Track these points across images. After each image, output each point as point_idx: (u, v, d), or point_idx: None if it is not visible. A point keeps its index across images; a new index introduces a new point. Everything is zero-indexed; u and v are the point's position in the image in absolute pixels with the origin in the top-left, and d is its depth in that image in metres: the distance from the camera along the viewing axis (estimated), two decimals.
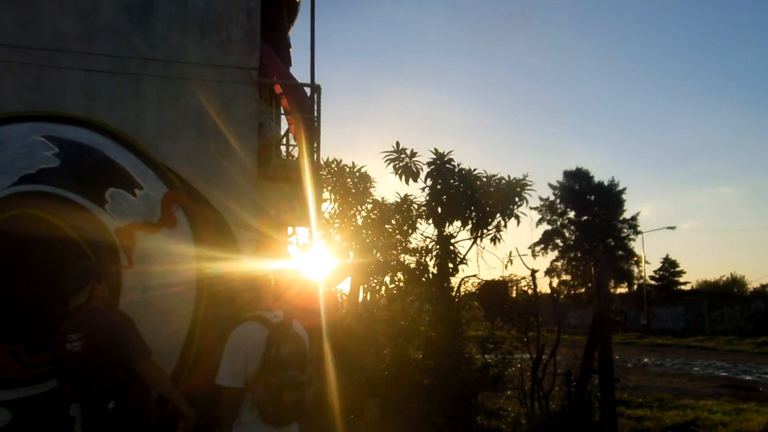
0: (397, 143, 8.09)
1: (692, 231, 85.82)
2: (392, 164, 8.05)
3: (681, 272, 51.54)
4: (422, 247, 8.43)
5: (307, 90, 6.53)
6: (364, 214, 9.05)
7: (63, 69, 4.98)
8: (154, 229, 5.07)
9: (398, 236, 8.66)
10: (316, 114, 6.45)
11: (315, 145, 6.55)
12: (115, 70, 5.11)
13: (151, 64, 5.21)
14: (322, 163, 7.83)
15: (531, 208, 8.15)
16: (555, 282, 50.13)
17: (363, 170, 9.24)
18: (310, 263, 8.27)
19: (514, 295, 8.24)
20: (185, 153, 5.23)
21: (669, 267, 51.50)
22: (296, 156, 7.13)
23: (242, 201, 5.37)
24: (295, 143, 7.26)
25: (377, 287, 9.10)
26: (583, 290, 48.50)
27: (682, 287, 49.96)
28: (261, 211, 5.57)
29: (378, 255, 8.58)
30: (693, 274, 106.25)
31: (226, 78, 5.41)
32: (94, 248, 4.89)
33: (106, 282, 4.08)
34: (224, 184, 5.32)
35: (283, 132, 7.88)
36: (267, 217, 5.70)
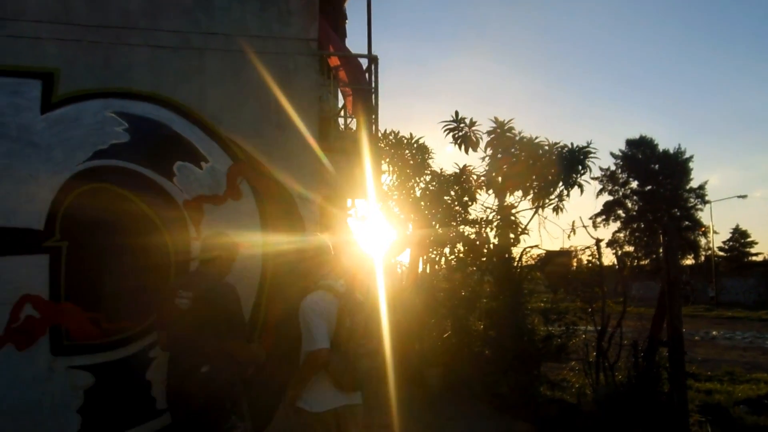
0: (456, 112, 8.01)
1: (764, 199, 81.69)
2: (451, 134, 7.97)
3: (752, 243, 49.38)
4: (482, 218, 8.37)
5: (364, 62, 6.50)
6: (422, 185, 9.03)
7: (130, 46, 5.11)
8: (220, 201, 5.19)
9: (457, 207, 8.61)
10: (373, 85, 6.41)
11: (373, 116, 6.52)
12: (179, 45, 5.21)
13: (213, 39, 5.28)
14: (380, 135, 7.82)
15: (592, 178, 7.93)
16: (618, 253, 48.81)
17: (421, 141, 9.20)
18: (369, 235, 8.33)
19: (575, 265, 8.09)
20: (248, 126, 5.30)
21: (739, 237, 49.39)
22: (354, 128, 7.15)
23: (304, 173, 5.42)
24: (352, 115, 7.27)
25: (437, 259, 9.10)
26: (646, 262, 47.15)
27: (754, 258, 47.83)
28: (321, 184, 5.61)
29: (437, 227, 8.56)
30: (766, 245, 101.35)
31: (286, 50, 5.43)
32: (164, 220, 5.05)
33: (232, 260, 4.39)
34: (286, 156, 5.38)
35: (340, 105, 7.89)
36: (327, 189, 5.74)
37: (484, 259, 8.18)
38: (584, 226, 7.65)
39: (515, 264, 7.90)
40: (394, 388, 6.13)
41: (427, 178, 8.96)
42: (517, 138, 7.76)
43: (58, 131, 4.93)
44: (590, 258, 7.57)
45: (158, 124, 5.12)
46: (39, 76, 4.92)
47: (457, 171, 8.63)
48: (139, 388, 4.91)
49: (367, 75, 6.50)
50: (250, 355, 4.24)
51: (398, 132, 9.19)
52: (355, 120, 7.20)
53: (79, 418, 4.81)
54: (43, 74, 4.93)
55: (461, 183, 8.57)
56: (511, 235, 7.93)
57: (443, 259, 8.83)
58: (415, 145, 9.01)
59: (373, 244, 7.97)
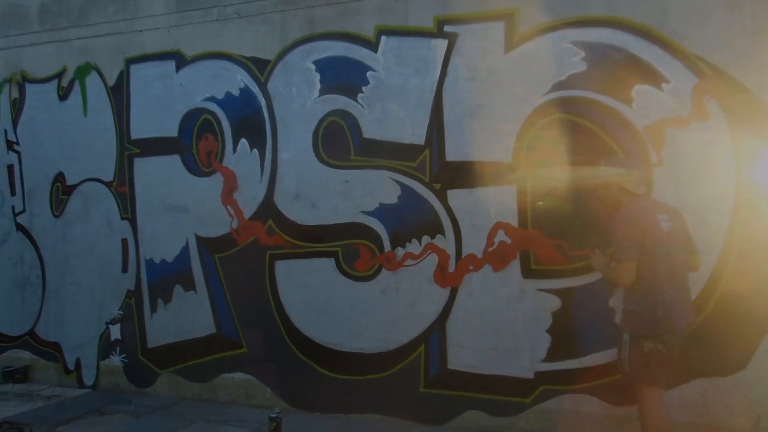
0: None
1: None
2: None
3: None
4: None
5: None
6: None
7: None
8: (684, 123, 4.80)
9: None
10: None
11: None
12: None
13: None
14: None
15: None
16: None
17: None
18: None
19: None
20: (716, 37, 4.70)
21: None
22: None
23: None
24: None
25: None
26: None
27: None
28: None
29: None
30: None
31: None
32: (623, 147, 4.93)
33: None
34: (763, 67, 4.64)
35: None
36: None
37: None
38: None
39: None
40: None
41: None
42: None
43: (519, 68, 5.21)
44: None
45: (614, 48, 4.96)
46: (502, 18, 5.25)
47: None
48: (602, 315, 4.97)
49: None
50: None
51: None
52: None
53: (548, 337, 5.14)
54: (505, 15, 5.24)
55: None
56: None
57: None
58: None
59: None
